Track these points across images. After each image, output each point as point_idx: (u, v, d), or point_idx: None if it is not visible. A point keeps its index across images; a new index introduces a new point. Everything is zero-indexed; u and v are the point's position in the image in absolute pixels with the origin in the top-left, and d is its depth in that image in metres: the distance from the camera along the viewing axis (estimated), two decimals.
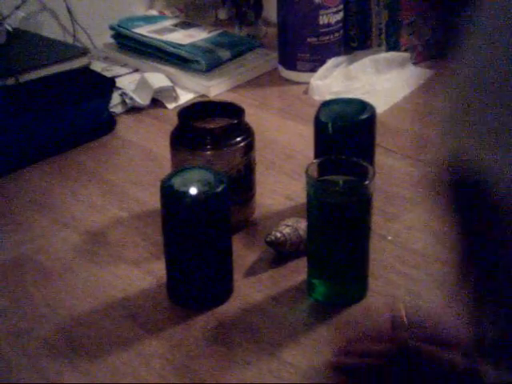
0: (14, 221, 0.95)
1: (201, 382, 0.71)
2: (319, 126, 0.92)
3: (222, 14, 1.58)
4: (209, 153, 0.89)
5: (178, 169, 0.84)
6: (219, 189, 0.77)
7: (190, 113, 0.95)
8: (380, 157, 1.03)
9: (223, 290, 0.82)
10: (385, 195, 0.96)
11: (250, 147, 0.92)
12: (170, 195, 0.78)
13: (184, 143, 0.92)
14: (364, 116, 0.92)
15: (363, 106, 0.93)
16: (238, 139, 0.90)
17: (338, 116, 0.92)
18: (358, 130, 0.92)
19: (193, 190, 0.77)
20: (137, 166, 1.08)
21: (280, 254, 0.86)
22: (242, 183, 0.91)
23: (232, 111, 0.94)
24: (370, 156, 0.92)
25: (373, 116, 0.92)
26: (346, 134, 0.91)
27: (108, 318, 0.79)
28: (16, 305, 0.81)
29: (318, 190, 0.78)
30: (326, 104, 0.95)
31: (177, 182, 0.78)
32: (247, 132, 0.92)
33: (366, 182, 0.77)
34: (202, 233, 0.78)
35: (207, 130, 0.91)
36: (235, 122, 0.91)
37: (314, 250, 0.81)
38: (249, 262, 0.86)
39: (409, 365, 0.68)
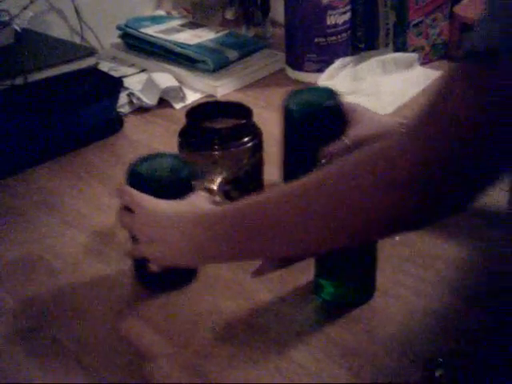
0: (22, 220, 0.96)
1: (209, 382, 0.71)
2: (285, 113, 0.93)
3: (230, 15, 1.59)
4: (216, 153, 0.89)
5: (147, 155, 0.84)
6: (183, 174, 0.79)
7: (197, 113, 0.95)
8: None
9: (188, 271, 0.83)
10: None
11: (257, 147, 0.92)
12: (136, 180, 0.79)
13: (191, 143, 0.93)
14: (328, 103, 0.92)
15: (329, 94, 0.94)
16: (246, 139, 0.90)
17: (303, 103, 0.93)
18: (323, 116, 0.92)
19: (158, 175, 0.79)
20: None
21: None
22: (249, 183, 0.91)
23: (240, 112, 0.94)
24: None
25: (337, 104, 0.92)
26: (310, 120, 0.92)
27: (116, 318, 0.79)
28: (24, 304, 0.81)
29: None
30: (293, 93, 0.96)
31: (143, 168, 0.80)
32: (255, 132, 0.92)
33: None
34: None
35: (215, 130, 0.91)
36: (243, 122, 0.91)
37: None
38: (256, 261, 0.86)
39: None
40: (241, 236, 0.66)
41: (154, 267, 0.79)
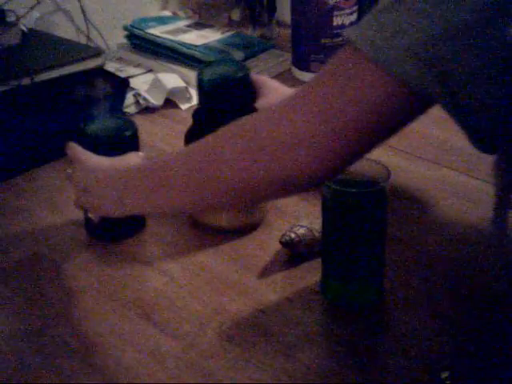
0: (28, 219, 0.96)
1: (215, 382, 0.71)
2: (198, 84, 0.97)
3: (236, 15, 1.58)
4: None
5: (95, 117, 0.91)
6: (129, 133, 0.88)
7: (204, 113, 0.95)
8: (394, 158, 1.04)
9: (136, 223, 0.91)
10: (399, 197, 0.96)
11: None
12: (85, 139, 0.87)
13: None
14: (237, 75, 0.97)
15: (239, 67, 1.00)
16: None
17: (214, 75, 0.98)
18: (232, 87, 0.96)
19: (106, 134, 0.87)
20: None
21: (294, 254, 0.86)
22: None
23: (246, 112, 0.94)
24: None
25: (246, 76, 0.97)
26: (219, 90, 0.96)
27: (122, 317, 0.79)
28: (31, 303, 0.82)
29: (333, 192, 0.77)
30: (206, 65, 1.02)
31: (91, 128, 0.88)
32: None
33: (382, 184, 0.77)
34: None
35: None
36: None
37: (328, 251, 0.81)
38: (263, 262, 0.86)
39: None
40: (143, 190, 0.75)
41: (92, 216, 0.87)
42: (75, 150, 0.85)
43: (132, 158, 0.83)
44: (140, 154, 0.86)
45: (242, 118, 0.68)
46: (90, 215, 0.88)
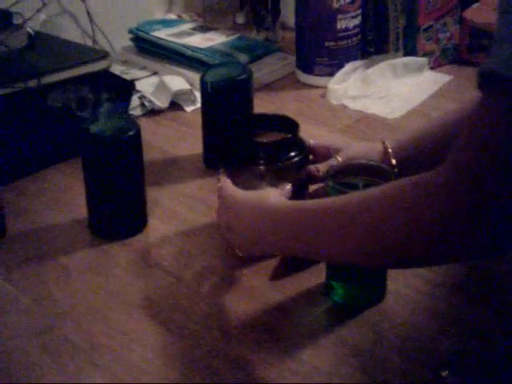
0: (35, 220, 0.96)
1: (220, 381, 0.72)
2: (202, 86, 1.03)
3: (240, 18, 1.59)
4: (262, 168, 0.87)
5: (99, 116, 0.94)
6: (131, 133, 0.89)
7: (240, 125, 0.93)
8: None
9: (138, 222, 0.94)
10: None
11: (304, 162, 0.89)
12: (89, 138, 0.89)
13: (236, 158, 0.90)
14: (240, 77, 1.03)
15: (242, 69, 1.06)
16: (293, 154, 0.88)
17: (218, 77, 1.04)
18: (234, 88, 1.03)
19: (109, 134, 0.89)
20: (155, 167, 1.09)
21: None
22: (295, 198, 0.83)
23: (283, 124, 0.91)
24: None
25: (247, 77, 1.04)
26: (222, 91, 1.03)
27: (129, 317, 0.80)
28: (37, 303, 0.82)
29: (339, 193, 0.78)
30: (210, 67, 1.10)
31: (95, 128, 0.89)
32: (301, 146, 0.90)
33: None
34: (116, 171, 0.90)
35: (262, 144, 0.89)
36: (290, 136, 0.89)
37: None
38: (268, 263, 0.87)
39: None
40: (285, 234, 0.75)
41: (238, 252, 0.86)
42: (224, 183, 0.85)
43: (269, 195, 0.80)
44: (278, 190, 0.82)
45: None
46: (237, 250, 0.86)
